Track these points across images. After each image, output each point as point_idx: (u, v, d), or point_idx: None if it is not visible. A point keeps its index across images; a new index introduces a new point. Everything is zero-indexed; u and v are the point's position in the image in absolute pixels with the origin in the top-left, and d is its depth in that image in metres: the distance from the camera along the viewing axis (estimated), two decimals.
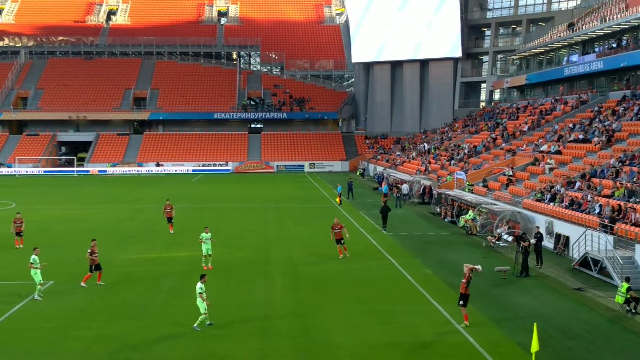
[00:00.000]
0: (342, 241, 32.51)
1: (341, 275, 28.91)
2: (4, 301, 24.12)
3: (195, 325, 21.16)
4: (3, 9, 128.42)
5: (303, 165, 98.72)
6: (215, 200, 59.12)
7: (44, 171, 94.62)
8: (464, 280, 22.05)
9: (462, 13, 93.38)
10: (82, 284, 26.65)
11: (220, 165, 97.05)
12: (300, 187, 72.35)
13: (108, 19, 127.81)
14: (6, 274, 28.85)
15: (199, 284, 21.50)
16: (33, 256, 25.03)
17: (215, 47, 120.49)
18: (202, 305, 21.24)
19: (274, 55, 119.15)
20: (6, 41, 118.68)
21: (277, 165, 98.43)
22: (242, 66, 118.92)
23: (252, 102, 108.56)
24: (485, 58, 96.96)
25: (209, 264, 29.73)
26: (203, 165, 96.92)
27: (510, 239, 34.90)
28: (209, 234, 30.21)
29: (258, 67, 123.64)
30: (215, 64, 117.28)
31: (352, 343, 20.13)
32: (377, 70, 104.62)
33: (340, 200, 54.97)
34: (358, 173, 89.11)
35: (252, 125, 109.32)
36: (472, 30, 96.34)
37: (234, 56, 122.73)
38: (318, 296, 25.43)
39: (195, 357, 18.98)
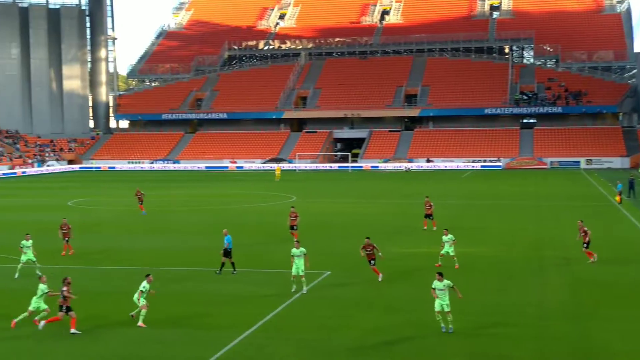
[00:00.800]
0: (587, 245, 30.14)
1: (622, 278, 27.15)
2: (282, 292, 25.60)
3: (445, 328, 20.73)
4: (286, 14, 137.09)
5: (579, 162, 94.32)
6: (485, 197, 58.42)
7: (321, 167, 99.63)
8: None
9: None
10: (379, 279, 27.17)
11: (491, 161, 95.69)
12: (576, 184, 69.22)
13: (382, 18, 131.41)
14: (287, 264, 30.71)
15: (435, 282, 20.95)
16: (293, 249, 26.16)
17: (486, 42, 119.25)
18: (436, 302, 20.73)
19: (548, 48, 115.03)
20: (288, 44, 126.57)
21: (551, 162, 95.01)
22: (514, 60, 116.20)
23: (525, 97, 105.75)
24: None
25: (456, 264, 29.05)
26: (473, 162, 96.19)
27: None
28: (449, 236, 29.53)
29: (531, 60, 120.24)
30: (487, 59, 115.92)
31: (634, 350, 18.83)
32: None
33: (621, 199, 51.69)
34: None
35: (524, 121, 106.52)
36: None
37: (506, 50, 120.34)
38: (596, 299, 24.08)
39: (470, 354, 18.80)
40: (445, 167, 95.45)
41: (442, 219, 40.12)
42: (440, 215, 40.35)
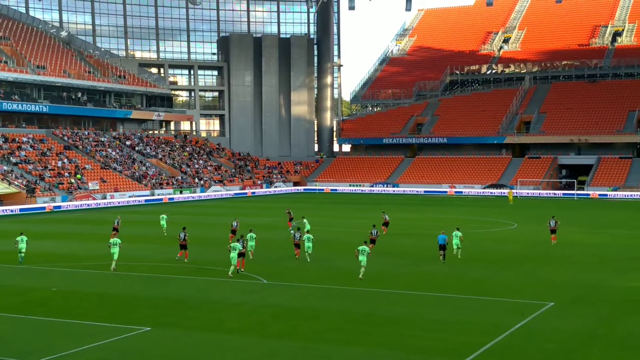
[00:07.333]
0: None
1: None
2: (502, 321, 24.97)
3: None
4: (510, 38, 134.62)
5: None
6: None
7: (544, 193, 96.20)
8: None
9: None
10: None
11: None
12: None
13: (613, 40, 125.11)
14: (503, 292, 29.98)
15: None
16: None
17: None
18: None
19: None
20: (512, 68, 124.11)
21: None
22: None
23: None
24: None
25: None
26: None
27: None
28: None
29: None
30: None
31: None
32: None
33: None
34: None
35: None
36: None
37: None
38: None
39: None
40: None
41: None
42: None
